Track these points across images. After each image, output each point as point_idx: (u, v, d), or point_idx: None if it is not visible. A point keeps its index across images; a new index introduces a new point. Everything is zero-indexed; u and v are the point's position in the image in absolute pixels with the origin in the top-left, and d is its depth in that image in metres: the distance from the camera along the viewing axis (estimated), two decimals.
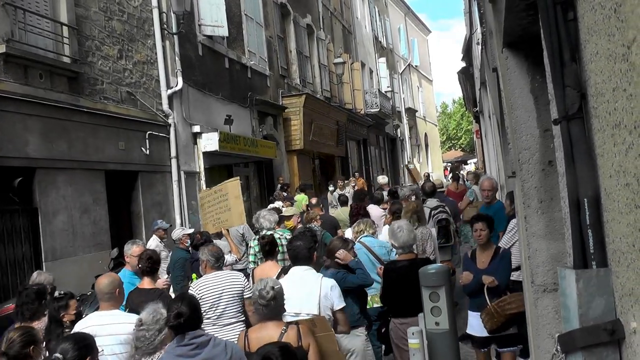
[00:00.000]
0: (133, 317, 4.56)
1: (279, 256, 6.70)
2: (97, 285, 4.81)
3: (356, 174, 21.80)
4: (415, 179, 30.70)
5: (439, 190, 11.80)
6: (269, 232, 7.08)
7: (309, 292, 4.61)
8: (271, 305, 3.98)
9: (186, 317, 3.56)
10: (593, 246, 1.65)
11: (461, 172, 25.34)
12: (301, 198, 14.59)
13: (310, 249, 4.94)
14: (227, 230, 8.02)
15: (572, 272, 1.70)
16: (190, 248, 8.32)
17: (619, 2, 1.18)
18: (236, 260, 7.61)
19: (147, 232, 10.17)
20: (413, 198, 11.73)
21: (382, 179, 19.25)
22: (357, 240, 6.63)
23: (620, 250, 1.44)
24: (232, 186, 8.44)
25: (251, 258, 7.20)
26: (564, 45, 1.71)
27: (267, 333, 3.93)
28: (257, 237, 7.28)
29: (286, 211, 9.11)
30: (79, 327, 4.51)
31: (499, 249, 5.64)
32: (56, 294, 6.88)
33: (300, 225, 8.19)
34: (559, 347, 1.73)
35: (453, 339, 4.67)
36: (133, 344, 3.91)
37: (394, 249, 5.82)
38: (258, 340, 3.92)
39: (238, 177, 9.06)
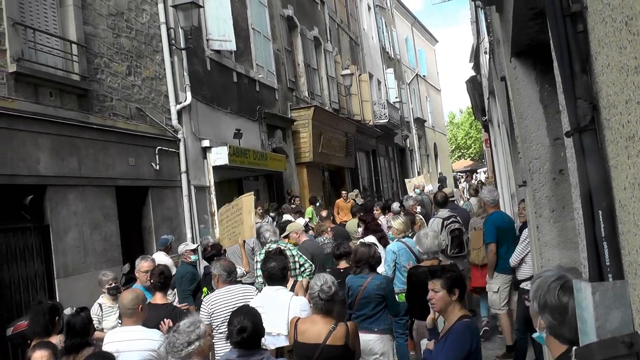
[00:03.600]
0: (155, 333, 4.57)
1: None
2: (121, 300, 4.82)
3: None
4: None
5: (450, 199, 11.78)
6: (275, 245, 7.09)
7: (278, 312, 4.68)
8: (333, 300, 4.12)
9: (250, 332, 3.47)
10: (609, 258, 1.63)
11: (472, 181, 25.39)
12: (309, 211, 14.58)
13: (284, 269, 5.05)
14: (244, 242, 8.07)
15: (588, 284, 1.68)
16: (195, 262, 8.36)
17: (630, 16, 1.17)
18: (243, 273, 7.60)
19: (158, 247, 10.18)
20: (418, 208, 11.75)
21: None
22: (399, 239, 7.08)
23: (636, 263, 1.43)
24: (247, 200, 8.57)
25: (258, 272, 7.02)
26: (574, 57, 1.70)
27: (316, 327, 4.07)
28: (264, 249, 7.27)
29: (289, 227, 9.08)
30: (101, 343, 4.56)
31: (461, 319, 3.77)
32: (68, 310, 6.89)
33: (304, 239, 8.17)
34: None
35: None
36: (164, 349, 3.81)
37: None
38: (306, 333, 4.06)
39: (252, 192, 9.19)
